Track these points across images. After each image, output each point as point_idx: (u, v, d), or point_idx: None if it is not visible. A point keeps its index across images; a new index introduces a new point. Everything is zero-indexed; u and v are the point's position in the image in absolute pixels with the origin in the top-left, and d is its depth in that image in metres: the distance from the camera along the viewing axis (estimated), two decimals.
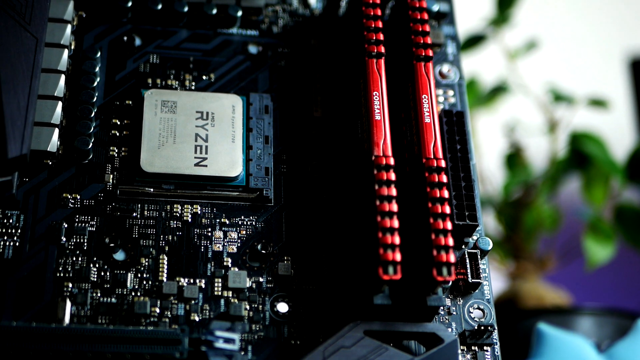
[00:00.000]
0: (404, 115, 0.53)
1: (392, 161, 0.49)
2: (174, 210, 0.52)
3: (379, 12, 0.54)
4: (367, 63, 0.53)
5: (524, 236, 0.88)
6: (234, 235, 0.52)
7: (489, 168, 0.93)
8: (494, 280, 0.90)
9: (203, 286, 0.50)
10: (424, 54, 0.54)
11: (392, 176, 0.49)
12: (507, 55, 0.90)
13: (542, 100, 0.89)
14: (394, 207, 0.48)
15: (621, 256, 0.89)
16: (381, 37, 0.54)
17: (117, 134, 0.54)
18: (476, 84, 0.93)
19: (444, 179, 0.49)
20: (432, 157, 0.50)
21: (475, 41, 0.90)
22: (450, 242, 0.48)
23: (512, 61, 0.90)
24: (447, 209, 0.49)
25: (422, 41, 0.54)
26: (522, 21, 0.91)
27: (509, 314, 0.82)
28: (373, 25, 0.54)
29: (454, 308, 0.52)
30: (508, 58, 0.91)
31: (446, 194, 0.49)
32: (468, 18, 0.88)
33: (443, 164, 0.50)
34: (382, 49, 0.53)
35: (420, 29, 0.54)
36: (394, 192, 0.48)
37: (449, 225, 0.48)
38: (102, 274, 0.50)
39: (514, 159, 0.91)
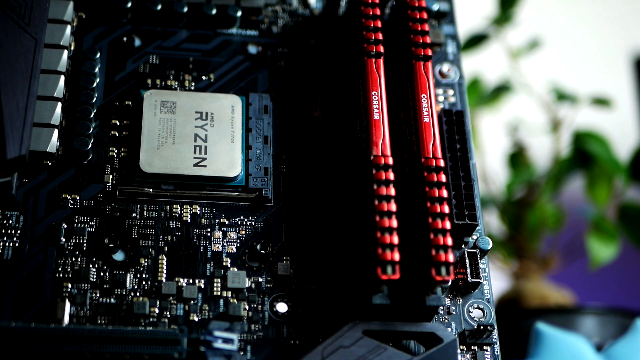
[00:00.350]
0: (403, 115, 0.53)
1: (390, 161, 0.49)
2: (173, 210, 0.52)
3: (378, 12, 0.54)
4: (366, 63, 0.53)
5: (527, 235, 0.88)
6: (233, 235, 0.52)
7: (492, 167, 0.92)
8: (498, 279, 0.90)
9: (202, 286, 0.50)
10: (423, 53, 0.54)
11: (391, 176, 0.49)
12: (509, 54, 0.90)
13: (545, 99, 0.89)
14: (393, 207, 0.48)
15: (625, 255, 0.88)
16: (380, 36, 0.54)
17: (117, 135, 0.54)
18: (479, 83, 0.93)
19: (443, 178, 0.49)
20: (431, 156, 0.50)
21: (477, 40, 0.90)
22: (449, 241, 0.48)
23: (514, 60, 0.90)
24: (446, 209, 0.49)
25: (421, 40, 0.54)
26: (524, 20, 0.91)
27: (512, 314, 0.82)
28: (372, 25, 0.54)
29: (453, 308, 0.52)
30: (511, 57, 0.90)
31: (445, 193, 0.49)
32: (470, 17, 0.88)
33: (442, 163, 0.50)
34: (381, 49, 0.53)
35: (420, 28, 0.54)
36: (392, 191, 0.48)
37: (448, 225, 0.48)
38: (102, 274, 0.50)
39: (517, 158, 0.91)
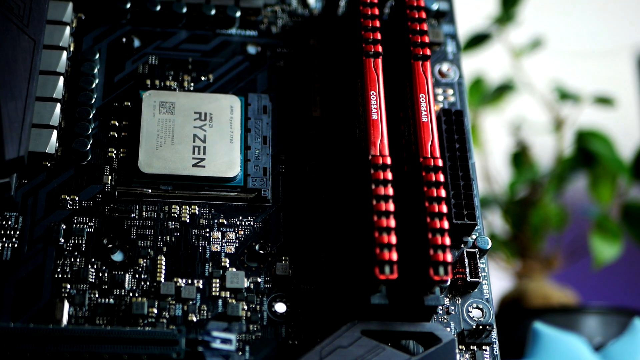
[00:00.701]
0: (402, 115, 0.53)
1: (388, 160, 0.49)
2: (172, 211, 0.52)
3: (376, 12, 0.54)
4: (364, 62, 0.53)
5: (530, 235, 0.88)
6: (232, 235, 0.52)
7: (494, 167, 0.92)
8: (501, 279, 0.90)
9: (201, 287, 0.50)
10: (421, 52, 0.53)
11: (389, 175, 0.49)
12: (512, 53, 0.90)
13: (548, 99, 0.89)
14: (391, 207, 0.48)
15: (628, 254, 0.88)
16: (378, 36, 0.53)
17: (116, 136, 0.54)
18: (482, 82, 0.93)
19: (441, 178, 0.49)
20: (430, 156, 0.50)
21: (480, 40, 0.90)
22: (447, 241, 0.47)
23: (517, 59, 0.90)
24: (444, 208, 0.48)
25: (420, 40, 0.54)
26: (527, 19, 0.91)
27: (515, 313, 0.82)
28: (370, 25, 0.54)
29: (452, 307, 0.52)
30: (513, 56, 0.90)
31: (443, 193, 0.49)
32: (473, 17, 0.88)
33: (440, 163, 0.50)
34: (380, 48, 0.53)
35: (418, 28, 0.54)
36: (390, 191, 0.48)
37: (446, 225, 0.48)
38: (100, 275, 0.50)
39: (520, 157, 0.91)
